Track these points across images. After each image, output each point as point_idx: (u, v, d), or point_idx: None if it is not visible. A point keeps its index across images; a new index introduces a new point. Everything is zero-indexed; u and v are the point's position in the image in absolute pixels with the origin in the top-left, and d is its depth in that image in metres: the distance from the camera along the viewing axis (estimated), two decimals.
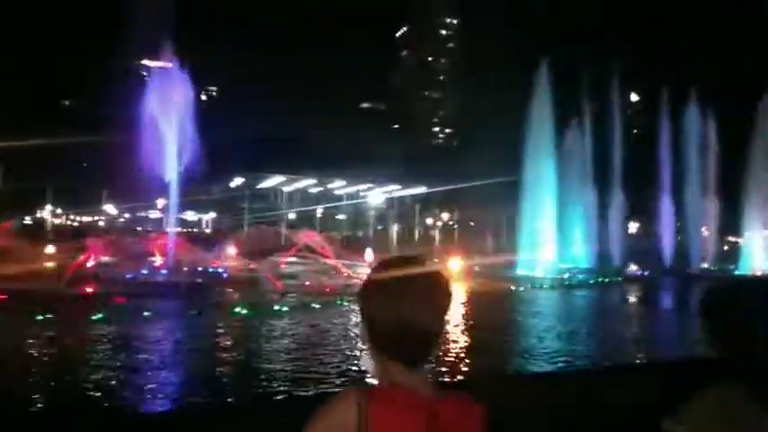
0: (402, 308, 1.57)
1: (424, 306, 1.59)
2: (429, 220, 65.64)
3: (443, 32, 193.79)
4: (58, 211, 44.83)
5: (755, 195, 37.00)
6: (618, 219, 40.66)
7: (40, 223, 37.45)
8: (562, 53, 39.93)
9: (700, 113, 41.53)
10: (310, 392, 8.09)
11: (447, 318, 1.64)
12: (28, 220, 36.18)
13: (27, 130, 34.43)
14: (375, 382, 1.66)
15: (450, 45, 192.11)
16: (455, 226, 62.96)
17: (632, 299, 25.33)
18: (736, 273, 35.31)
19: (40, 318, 13.51)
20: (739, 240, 41.10)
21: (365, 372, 1.48)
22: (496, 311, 18.76)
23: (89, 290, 18.67)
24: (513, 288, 24.79)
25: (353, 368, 9.23)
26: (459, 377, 9.32)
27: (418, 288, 1.60)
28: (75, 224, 44.40)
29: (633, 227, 50.45)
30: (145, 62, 32.80)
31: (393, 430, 1.51)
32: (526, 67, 40.07)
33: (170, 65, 31.75)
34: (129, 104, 29.13)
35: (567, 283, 28.13)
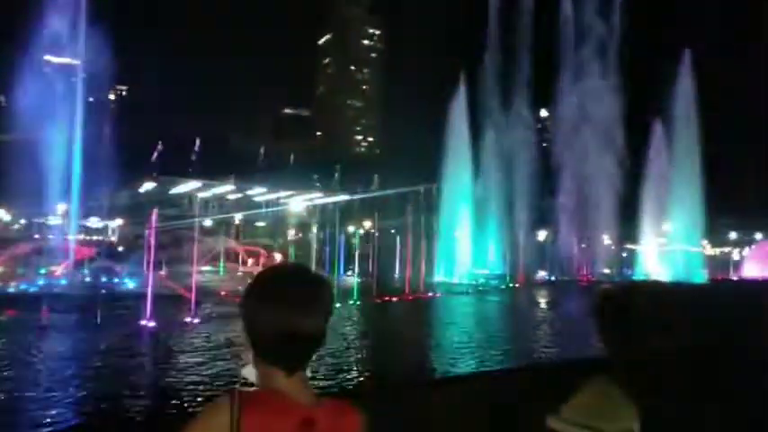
0: (282, 314, 1.55)
1: (304, 313, 1.57)
2: (350, 228, 65.79)
3: (366, 42, 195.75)
4: None
5: (650, 207, 40.27)
6: (527, 228, 42.69)
7: None
8: (482, 66, 41.45)
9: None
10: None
11: (327, 325, 1.61)
12: None
13: None
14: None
15: (373, 55, 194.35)
16: (376, 234, 63.54)
17: (540, 302, 26.63)
18: (633, 277, 38.22)
19: None
20: (636, 248, 44.50)
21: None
22: (413, 316, 19.09)
23: None
24: (431, 294, 25.34)
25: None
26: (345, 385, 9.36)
27: (299, 295, 1.59)
28: None
29: (542, 235, 53.17)
30: (49, 57, 30.57)
31: None
32: (446, 79, 41.40)
33: (76, 61, 29.87)
34: (29, 101, 27.01)
35: (480, 288, 29.14)
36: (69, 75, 30.42)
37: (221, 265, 32.94)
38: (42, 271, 24.06)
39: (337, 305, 20.18)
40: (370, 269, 33.62)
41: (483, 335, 16.25)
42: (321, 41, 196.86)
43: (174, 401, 8.37)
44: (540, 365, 9.74)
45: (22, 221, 31.44)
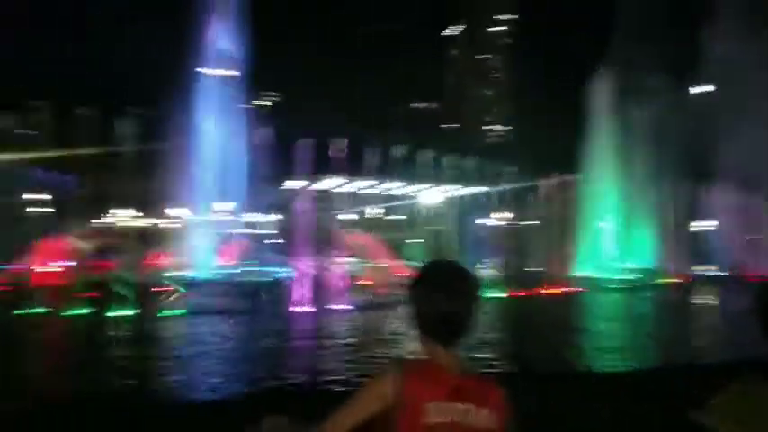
0: (442, 300, 1.95)
1: (458, 299, 1.97)
2: (485, 220, 64.95)
3: (497, 29, 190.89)
4: (127, 214, 47.56)
5: None
6: (680, 218, 38.89)
7: (109, 226, 40.02)
8: (623, 50, 38.31)
9: None
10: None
11: (476, 309, 2.01)
12: (97, 223, 38.55)
13: (95, 138, 36.82)
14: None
15: (505, 41, 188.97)
16: (516, 225, 62.16)
17: (697, 299, 24.25)
18: None
19: None
20: None
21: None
22: (559, 315, 18.55)
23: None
24: (578, 290, 24.35)
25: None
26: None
27: (455, 285, 1.99)
28: (146, 225, 46.98)
29: (698, 225, 48.13)
30: (206, 70, 34.10)
31: (424, 399, 1.86)
32: (585, 61, 39.11)
33: (229, 72, 33.14)
34: (192, 112, 30.53)
35: (628, 283, 27.37)
36: (225, 85, 33.72)
37: (362, 257, 34.39)
38: (213, 263, 27.27)
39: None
40: (507, 262, 33.17)
41: (629, 334, 15.39)
42: (447, 32, 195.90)
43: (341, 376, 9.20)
44: (698, 366, 9.12)
45: (194, 218, 35.61)
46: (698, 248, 37.14)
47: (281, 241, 30.19)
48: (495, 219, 60.81)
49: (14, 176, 32.02)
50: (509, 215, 61.74)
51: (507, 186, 54.62)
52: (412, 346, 2.11)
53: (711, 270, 32.03)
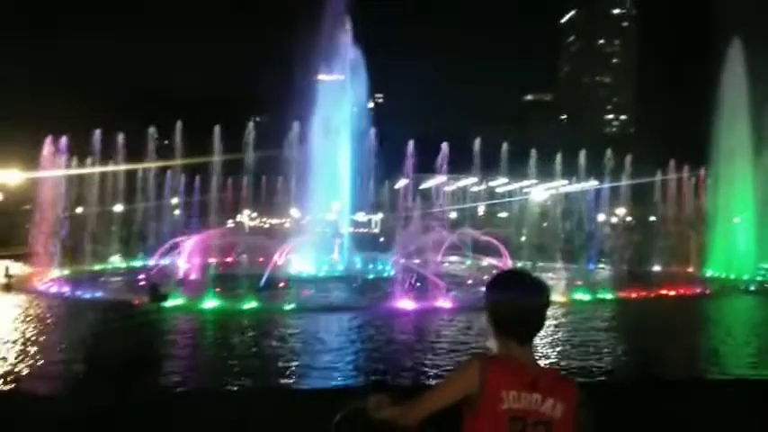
0: (517, 302, 2.24)
1: (532, 302, 2.25)
2: (602, 217, 61.44)
3: (616, 12, 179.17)
4: (253, 215, 51.57)
5: None
6: None
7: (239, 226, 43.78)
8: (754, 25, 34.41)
9: None
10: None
11: (548, 310, 2.29)
12: (230, 223, 42.20)
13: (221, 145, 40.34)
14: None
15: (624, 24, 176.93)
16: (632, 223, 58.23)
17: None
18: None
19: None
20: None
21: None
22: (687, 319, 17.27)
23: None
24: (706, 292, 22.47)
25: None
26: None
27: (529, 289, 2.27)
28: (266, 226, 50.73)
29: None
30: (321, 77, 35.75)
31: (504, 388, 2.13)
32: (713, 42, 35.61)
33: (342, 77, 34.52)
34: (308, 117, 32.23)
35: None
36: (336, 90, 35.13)
37: (467, 255, 34.22)
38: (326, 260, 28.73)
39: (586, 299, 19.54)
40: (626, 261, 31.27)
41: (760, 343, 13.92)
42: (564, 20, 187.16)
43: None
44: None
45: (307, 218, 37.56)
46: None
47: (387, 239, 30.98)
48: (614, 215, 57.35)
49: (159, 182, 35.93)
50: (628, 211, 57.94)
51: (627, 180, 51.21)
52: (489, 343, 2.33)
53: None
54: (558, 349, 12.29)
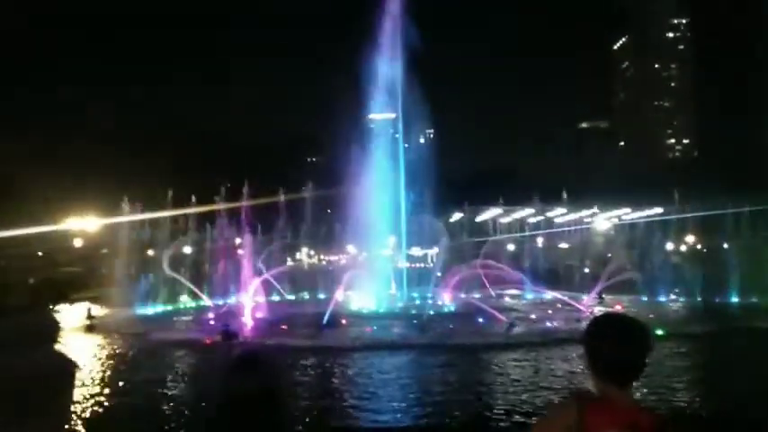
0: (617, 349, 2.28)
1: (632, 349, 2.30)
2: (669, 246, 58.71)
3: (670, 35, 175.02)
4: (312, 252, 52.67)
5: None
6: None
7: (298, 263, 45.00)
8: None
9: None
10: None
11: (649, 354, 2.31)
12: (290, 262, 43.31)
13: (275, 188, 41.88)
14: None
15: (681, 47, 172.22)
16: (703, 250, 55.46)
17: None
18: None
19: None
20: None
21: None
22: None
23: None
24: None
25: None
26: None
27: (629, 336, 2.32)
28: (325, 263, 51.73)
29: None
30: (372, 116, 36.71)
31: (602, 428, 2.17)
32: None
33: (393, 116, 35.34)
34: (361, 157, 33.01)
35: None
36: (389, 127, 35.92)
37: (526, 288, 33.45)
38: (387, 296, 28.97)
39: (663, 334, 18.40)
40: (699, 293, 29.77)
41: None
42: (617, 46, 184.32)
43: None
44: None
45: (364, 254, 38.00)
46: None
47: (444, 274, 30.95)
48: (683, 243, 54.85)
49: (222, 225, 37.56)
50: (697, 239, 55.31)
51: (693, 207, 49.12)
52: (588, 384, 2.40)
53: None
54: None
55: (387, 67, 32.79)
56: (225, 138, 76.49)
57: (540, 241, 55.85)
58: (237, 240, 37.86)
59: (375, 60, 32.48)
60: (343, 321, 21.02)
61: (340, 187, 35.42)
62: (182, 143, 66.31)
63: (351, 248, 43.73)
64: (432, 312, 24.10)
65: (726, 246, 44.18)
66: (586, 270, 41.65)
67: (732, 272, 31.50)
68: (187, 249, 37.44)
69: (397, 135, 35.02)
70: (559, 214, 63.38)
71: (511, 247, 50.14)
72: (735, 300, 29.79)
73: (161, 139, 64.82)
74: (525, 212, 62.57)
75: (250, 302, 24.44)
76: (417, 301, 28.68)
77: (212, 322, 21.70)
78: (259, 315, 23.64)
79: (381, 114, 36.34)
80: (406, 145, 36.59)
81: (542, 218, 61.21)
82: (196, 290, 30.50)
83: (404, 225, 33.30)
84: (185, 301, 30.87)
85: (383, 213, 32.40)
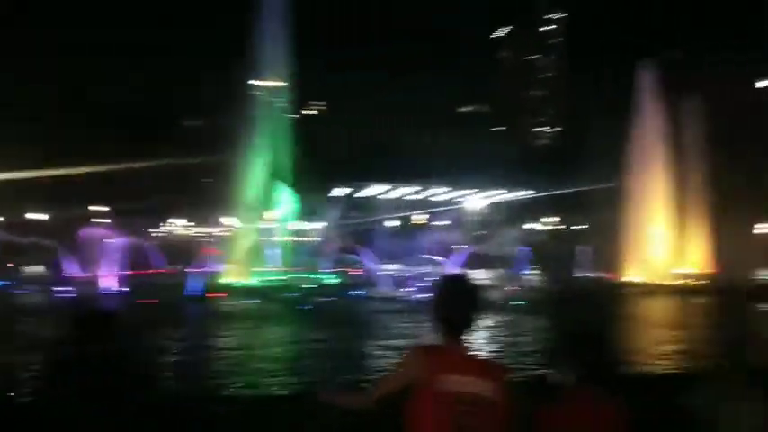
0: (451, 302, 2.72)
1: (462, 303, 2.74)
2: (537, 226, 63.55)
3: (546, 28, 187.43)
4: (187, 222, 49.97)
5: None
6: (743, 221, 36.89)
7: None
8: (678, 46, 36.92)
9: None
10: None
11: (479, 311, 2.73)
12: (161, 233, 40.68)
13: (146, 152, 38.68)
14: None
15: (554, 41, 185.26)
16: (565, 230, 60.72)
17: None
18: None
19: None
20: None
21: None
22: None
23: None
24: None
25: None
26: None
27: (460, 291, 2.76)
28: (200, 234, 49.22)
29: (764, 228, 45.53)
30: (256, 82, 35.07)
31: (437, 372, 2.54)
32: (637, 60, 37.77)
33: (278, 84, 34.05)
34: (242, 123, 31.51)
35: (680, 289, 26.31)
36: (274, 95, 34.53)
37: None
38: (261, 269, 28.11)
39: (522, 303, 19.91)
40: (552, 269, 32.39)
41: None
42: (497, 34, 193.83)
43: None
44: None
45: (244, 226, 36.78)
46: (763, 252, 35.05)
47: (327, 248, 30.80)
48: (543, 224, 59.65)
49: (76, 189, 34.12)
50: (557, 220, 60.44)
51: (556, 190, 53.44)
52: (433, 336, 2.76)
53: None
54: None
55: (274, 32, 31.54)
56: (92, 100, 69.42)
57: (418, 219, 57.69)
58: (99, 208, 34.74)
59: (261, 24, 31.14)
60: (213, 294, 20.18)
61: (221, 155, 33.73)
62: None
63: (229, 220, 42.00)
64: (312, 287, 23.91)
65: (583, 226, 48.90)
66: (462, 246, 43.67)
67: (586, 248, 34.75)
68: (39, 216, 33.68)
69: (283, 104, 33.89)
70: (440, 193, 65.88)
71: (392, 223, 51.28)
72: (587, 274, 32.94)
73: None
74: (407, 190, 64.19)
75: (111, 274, 22.58)
76: (295, 276, 28.20)
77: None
78: (119, 287, 21.92)
79: (268, 81, 34.99)
80: (293, 115, 35.62)
81: (422, 196, 63.22)
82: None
83: (285, 198, 32.49)
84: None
85: (265, 185, 31.37)
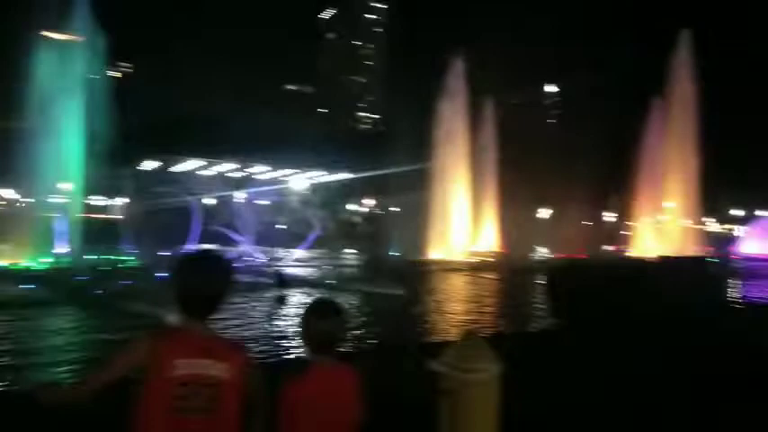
0: (195, 282, 2.44)
1: (209, 282, 2.46)
2: (353, 207, 65.66)
3: (370, 17, 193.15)
4: None
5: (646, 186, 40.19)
6: (528, 206, 42.85)
7: None
8: (481, 42, 41.08)
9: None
10: None
11: (225, 290, 2.47)
12: None
13: None
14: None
15: (378, 30, 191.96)
16: (380, 212, 63.73)
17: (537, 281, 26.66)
18: (628, 255, 38.34)
19: None
20: (635, 225, 44.48)
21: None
22: None
23: None
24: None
25: None
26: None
27: (206, 270, 2.48)
28: None
29: (545, 213, 53.27)
30: (47, 33, 30.20)
31: (172, 356, 2.34)
32: (446, 54, 40.98)
33: (76, 38, 29.64)
34: (28, 80, 26.99)
35: (478, 265, 29.42)
36: (69, 51, 30.11)
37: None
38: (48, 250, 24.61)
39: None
40: (367, 249, 34.01)
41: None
42: (323, 15, 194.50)
43: None
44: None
45: (28, 200, 31.83)
46: (542, 234, 41.01)
47: (131, 227, 28.05)
48: (361, 205, 62.06)
49: None
50: (374, 202, 63.34)
51: (374, 173, 55.81)
52: (171, 317, 2.57)
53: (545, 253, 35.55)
54: None
55: None
56: None
57: (239, 197, 55.76)
58: None
59: None
60: None
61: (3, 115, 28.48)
62: None
63: (7, 192, 35.94)
64: (107, 269, 21.58)
65: (395, 208, 51.94)
66: (284, 227, 43.39)
67: (393, 230, 37.14)
68: None
69: (78, 62, 29.64)
70: (262, 171, 64.33)
71: (210, 201, 48.70)
72: (393, 253, 35.19)
73: None
74: (227, 167, 61.50)
75: None
76: (88, 258, 25.21)
77: None
78: None
79: (59, 34, 30.29)
80: (92, 75, 31.43)
81: (244, 174, 61.16)
82: None
83: (82, 169, 28.69)
84: None
85: (54, 154, 27.35)
